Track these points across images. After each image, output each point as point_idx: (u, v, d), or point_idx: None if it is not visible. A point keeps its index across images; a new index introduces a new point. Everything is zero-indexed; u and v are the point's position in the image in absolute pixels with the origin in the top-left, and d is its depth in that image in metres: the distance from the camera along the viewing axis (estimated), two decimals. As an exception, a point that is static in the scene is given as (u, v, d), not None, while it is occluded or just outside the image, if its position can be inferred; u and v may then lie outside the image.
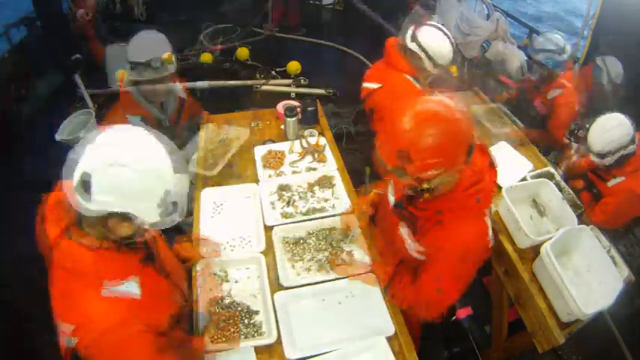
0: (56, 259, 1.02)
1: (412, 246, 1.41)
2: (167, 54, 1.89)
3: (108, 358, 1.05)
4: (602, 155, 2.09)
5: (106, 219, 0.99)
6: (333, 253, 1.71)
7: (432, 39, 2.08)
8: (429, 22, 2.16)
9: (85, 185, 0.94)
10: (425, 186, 1.18)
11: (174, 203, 1.05)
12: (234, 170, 2.15)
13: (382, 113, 2.20)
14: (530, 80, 2.86)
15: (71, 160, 0.98)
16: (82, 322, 1.03)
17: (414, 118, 1.13)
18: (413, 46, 2.09)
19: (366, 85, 2.30)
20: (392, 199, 1.47)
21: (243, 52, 4.87)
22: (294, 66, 4.68)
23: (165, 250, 1.40)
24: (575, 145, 2.97)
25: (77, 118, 2.42)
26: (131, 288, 1.10)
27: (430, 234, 1.34)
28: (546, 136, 2.67)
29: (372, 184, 1.83)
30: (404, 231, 1.43)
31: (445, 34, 2.11)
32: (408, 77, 2.16)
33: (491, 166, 1.31)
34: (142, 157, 0.99)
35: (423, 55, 2.08)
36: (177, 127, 2.21)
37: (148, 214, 1.02)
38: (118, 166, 0.95)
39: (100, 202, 0.95)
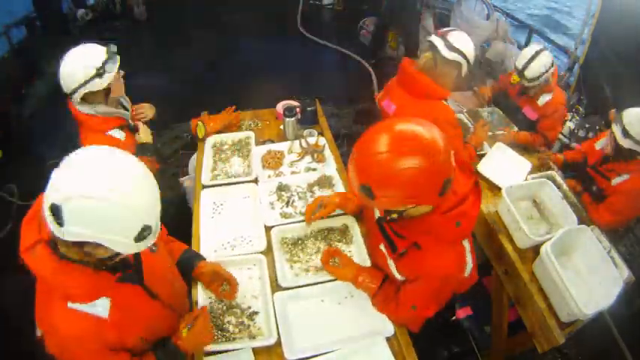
0: (28, 261, 0.98)
1: (392, 265, 1.41)
2: (105, 53, 1.80)
3: None
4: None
5: (81, 244, 0.93)
6: (324, 252, 1.66)
7: (466, 41, 1.98)
8: (447, 29, 2.05)
9: (57, 214, 0.87)
10: (393, 215, 1.16)
11: (146, 228, 0.96)
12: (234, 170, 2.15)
13: None
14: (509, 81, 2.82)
15: (51, 179, 0.91)
16: (48, 330, 1.04)
17: (373, 152, 1.02)
18: (453, 55, 1.94)
19: None
20: (377, 213, 1.41)
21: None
22: None
23: (159, 266, 1.32)
24: (575, 145, 2.98)
25: None
26: (98, 308, 1.05)
27: (408, 257, 1.31)
28: (537, 139, 2.65)
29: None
30: (384, 250, 1.42)
31: (465, 34, 2.04)
32: (447, 104, 2.03)
33: (477, 186, 1.22)
34: (119, 189, 0.90)
35: (462, 59, 1.96)
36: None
37: (124, 246, 0.96)
38: (92, 199, 0.87)
39: (72, 233, 0.89)
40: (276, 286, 1.60)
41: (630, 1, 2.99)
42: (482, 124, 2.45)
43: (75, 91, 1.75)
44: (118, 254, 0.99)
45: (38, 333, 1.07)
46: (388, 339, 1.45)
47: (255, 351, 1.41)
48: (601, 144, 2.38)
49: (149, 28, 5.64)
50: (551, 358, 2.41)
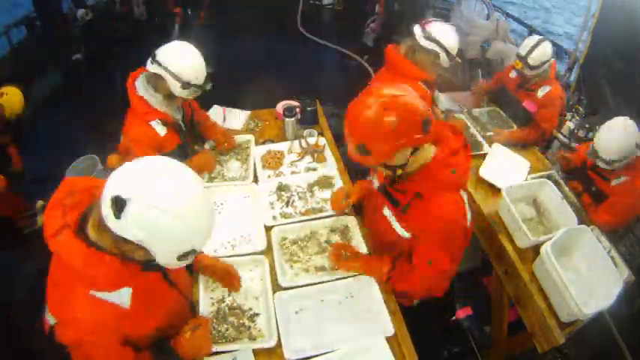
0: (55, 247, 0.99)
1: (397, 225, 1.47)
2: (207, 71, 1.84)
3: (82, 356, 1.07)
4: (610, 162, 2.12)
5: (124, 240, 0.94)
6: (334, 246, 1.68)
7: (445, 32, 2.09)
8: (431, 20, 2.15)
9: (119, 207, 0.90)
10: (398, 172, 1.29)
11: (193, 252, 1.01)
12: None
13: None
14: (508, 76, 2.84)
15: (120, 171, 0.94)
16: (65, 318, 1.03)
17: (359, 113, 1.20)
18: (428, 43, 2.07)
19: None
20: (375, 182, 1.56)
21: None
22: None
23: None
24: (575, 145, 2.98)
25: (81, 164, 2.35)
26: (121, 298, 1.07)
27: (412, 213, 1.40)
28: (532, 132, 2.67)
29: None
30: (388, 213, 1.49)
31: (450, 26, 2.14)
32: (421, 84, 2.15)
33: (465, 146, 1.38)
34: (186, 209, 0.94)
35: (439, 49, 2.08)
36: (194, 128, 2.17)
37: (166, 258, 0.99)
38: (157, 210, 0.90)
39: (126, 230, 0.92)
40: (275, 286, 1.60)
41: (630, 1, 2.99)
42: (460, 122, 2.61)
43: (164, 67, 1.74)
44: (152, 261, 1.00)
45: (50, 321, 1.05)
46: (388, 339, 1.45)
47: (256, 352, 1.41)
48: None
49: (149, 28, 5.64)
50: (551, 358, 2.41)
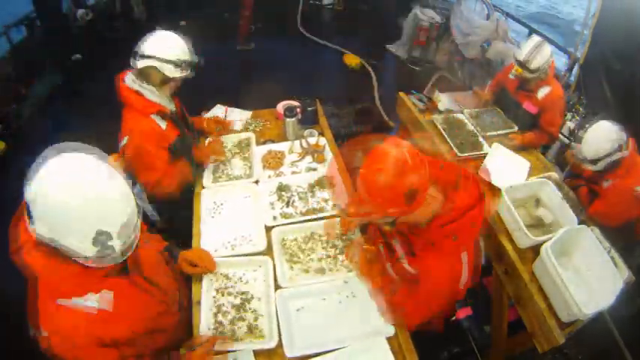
0: (18, 262, 1.01)
1: (388, 266, 1.45)
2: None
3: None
4: (593, 162, 2.17)
5: (44, 242, 0.96)
6: (347, 246, 1.71)
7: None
8: None
9: (28, 211, 0.94)
10: (386, 227, 1.22)
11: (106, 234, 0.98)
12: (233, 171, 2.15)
13: None
14: (507, 77, 2.84)
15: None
16: (38, 327, 1.05)
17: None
18: None
19: None
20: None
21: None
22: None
23: (151, 261, 1.35)
24: (575, 146, 2.98)
25: None
26: (87, 303, 1.07)
27: (406, 263, 1.35)
28: (541, 136, 2.68)
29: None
30: (399, 248, 1.43)
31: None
32: None
33: (481, 198, 1.21)
34: (79, 191, 0.94)
35: None
36: (187, 119, 2.19)
37: (81, 249, 0.96)
38: (54, 196, 0.92)
39: (38, 231, 0.94)
40: (276, 287, 1.60)
41: (630, 1, 2.99)
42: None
43: (151, 57, 1.78)
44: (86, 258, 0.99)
45: (30, 332, 1.08)
46: (388, 339, 1.46)
47: (256, 352, 1.41)
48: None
49: (149, 28, 5.65)
50: (551, 358, 2.41)
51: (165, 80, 1.85)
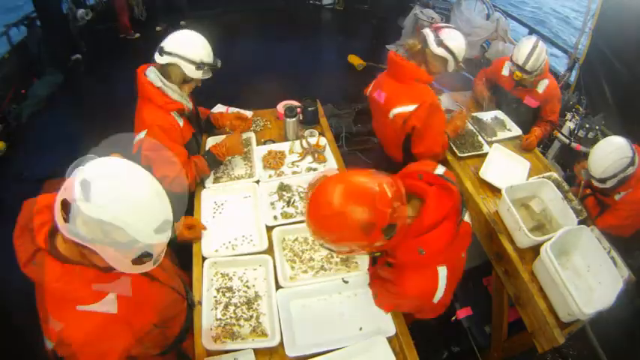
0: (31, 274, 0.99)
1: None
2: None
3: None
4: (602, 180, 2.13)
5: (81, 245, 0.95)
6: None
7: (458, 40, 2.08)
8: (442, 25, 2.14)
9: (66, 209, 0.91)
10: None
11: (149, 255, 1.00)
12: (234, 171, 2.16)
13: (422, 131, 2.15)
14: (501, 75, 2.86)
15: (73, 171, 0.96)
16: (60, 340, 1.02)
17: (318, 206, 1.07)
18: (440, 51, 2.05)
19: (398, 110, 2.13)
20: None
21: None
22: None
23: None
24: (575, 145, 2.98)
25: (81, 164, 2.39)
26: (106, 305, 1.06)
27: (385, 270, 1.33)
28: (545, 127, 2.72)
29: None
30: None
31: (459, 31, 2.15)
32: (428, 87, 2.16)
33: (454, 211, 1.18)
34: (131, 208, 0.94)
35: (450, 57, 2.07)
36: (200, 119, 2.24)
37: (118, 263, 0.98)
38: (104, 208, 0.91)
39: (75, 232, 0.92)
40: (276, 286, 1.60)
41: (630, 1, 2.99)
42: (460, 113, 2.55)
43: (175, 54, 1.79)
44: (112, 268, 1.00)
45: (49, 345, 1.05)
46: (389, 339, 1.46)
47: (257, 351, 1.41)
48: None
49: (149, 28, 5.64)
50: (551, 358, 2.41)
51: (186, 79, 1.88)
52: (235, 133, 2.15)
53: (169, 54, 1.79)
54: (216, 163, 2.03)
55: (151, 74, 1.84)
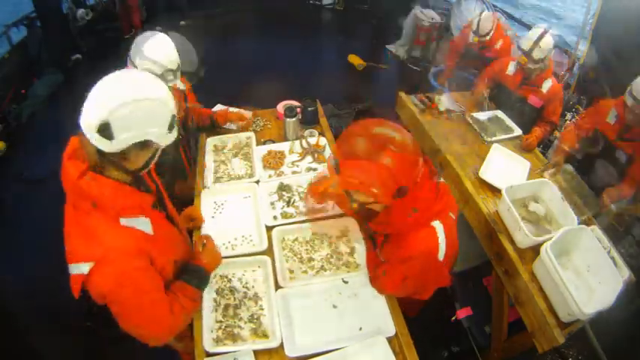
0: (79, 191, 1.07)
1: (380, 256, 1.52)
2: (177, 64, 1.83)
3: (127, 292, 1.11)
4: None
5: (126, 152, 1.07)
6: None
7: None
8: None
9: (106, 131, 1.01)
10: (354, 205, 1.25)
11: (174, 117, 1.14)
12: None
13: None
14: (505, 73, 2.91)
15: (85, 110, 1.05)
16: (103, 255, 1.07)
17: (356, 137, 1.18)
18: None
19: None
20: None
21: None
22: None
23: (170, 205, 1.47)
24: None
25: None
26: (145, 225, 1.18)
27: (385, 248, 1.44)
28: (545, 127, 2.72)
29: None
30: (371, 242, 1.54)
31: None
32: None
33: (431, 174, 1.30)
34: (146, 91, 1.07)
35: None
36: (188, 130, 2.18)
37: (163, 137, 1.12)
38: (129, 104, 1.02)
39: (122, 140, 1.04)
40: (276, 286, 1.60)
41: (630, 1, 3.00)
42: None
43: (136, 64, 1.77)
44: (152, 158, 1.16)
45: (85, 269, 1.07)
46: (389, 339, 1.46)
47: (256, 351, 1.41)
48: (613, 118, 2.35)
49: (149, 28, 5.65)
50: (551, 358, 2.41)
51: None
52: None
53: (132, 61, 1.76)
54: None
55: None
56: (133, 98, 1.04)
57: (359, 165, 1.15)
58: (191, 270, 1.36)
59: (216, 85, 4.59)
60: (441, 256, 1.33)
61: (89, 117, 1.03)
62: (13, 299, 2.49)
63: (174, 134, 1.16)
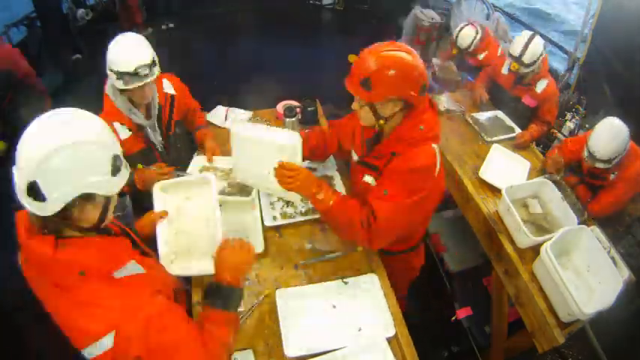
0: (62, 266, 0.95)
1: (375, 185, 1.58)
2: (151, 58, 1.78)
3: (163, 337, 0.98)
4: (609, 161, 2.18)
5: (69, 212, 0.93)
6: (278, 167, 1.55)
7: None
8: None
9: (36, 192, 0.88)
10: (381, 122, 1.44)
11: (117, 157, 0.98)
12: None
13: None
14: (500, 73, 2.94)
15: (14, 173, 0.91)
16: (120, 316, 0.95)
17: (380, 56, 1.36)
18: None
19: None
20: (355, 156, 1.71)
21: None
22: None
23: (138, 239, 1.33)
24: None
25: None
26: (135, 268, 1.07)
27: (388, 168, 1.49)
28: (541, 127, 2.73)
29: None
30: (369, 179, 1.58)
31: None
32: None
33: (431, 104, 1.51)
34: (73, 135, 0.91)
35: None
36: (169, 132, 2.07)
37: (106, 184, 0.95)
38: (53, 156, 0.87)
39: (55, 200, 0.89)
40: (276, 287, 1.60)
41: (630, 1, 2.99)
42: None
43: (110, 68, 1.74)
44: (106, 207, 0.99)
45: (109, 343, 0.93)
46: (389, 339, 1.46)
47: (256, 352, 1.41)
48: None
49: (149, 28, 5.65)
50: (551, 358, 2.41)
51: (121, 90, 1.78)
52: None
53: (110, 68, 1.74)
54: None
55: (110, 81, 1.79)
56: (57, 147, 0.87)
57: (388, 70, 1.33)
58: (210, 290, 1.18)
59: (216, 85, 4.61)
60: (436, 172, 1.45)
61: (17, 180, 0.90)
62: (13, 299, 2.49)
63: (124, 177, 1.00)
